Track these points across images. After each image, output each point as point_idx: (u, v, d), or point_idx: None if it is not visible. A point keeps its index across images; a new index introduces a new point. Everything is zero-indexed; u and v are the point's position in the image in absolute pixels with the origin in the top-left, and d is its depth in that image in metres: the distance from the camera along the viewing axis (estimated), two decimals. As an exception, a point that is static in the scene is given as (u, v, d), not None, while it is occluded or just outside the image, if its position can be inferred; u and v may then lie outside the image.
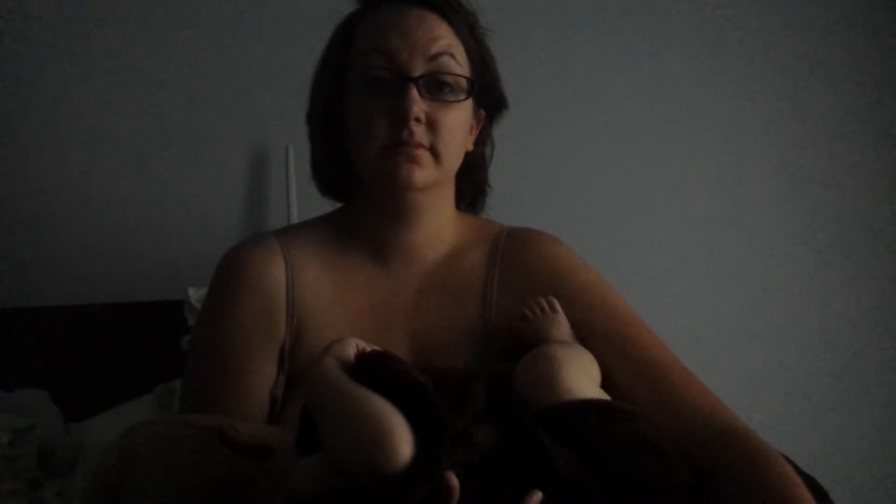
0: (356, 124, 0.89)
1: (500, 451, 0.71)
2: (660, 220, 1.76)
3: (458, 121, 0.90)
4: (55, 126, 1.51)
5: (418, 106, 0.85)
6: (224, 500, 0.69)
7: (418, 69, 0.86)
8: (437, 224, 0.96)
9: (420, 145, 0.86)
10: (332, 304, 0.93)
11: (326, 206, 1.03)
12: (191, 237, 1.55)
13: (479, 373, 0.79)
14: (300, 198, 1.54)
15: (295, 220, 1.52)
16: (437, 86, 0.88)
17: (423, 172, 0.87)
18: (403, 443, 0.63)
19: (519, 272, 0.97)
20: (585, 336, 0.92)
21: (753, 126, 1.80)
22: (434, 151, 0.88)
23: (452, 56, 0.89)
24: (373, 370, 0.69)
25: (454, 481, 0.65)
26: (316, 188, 1.01)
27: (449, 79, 0.88)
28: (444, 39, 0.88)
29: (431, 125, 0.87)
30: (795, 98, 1.82)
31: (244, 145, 1.59)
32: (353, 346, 0.72)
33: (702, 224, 1.78)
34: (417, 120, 0.85)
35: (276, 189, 1.59)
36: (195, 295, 1.36)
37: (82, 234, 1.52)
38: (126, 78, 1.53)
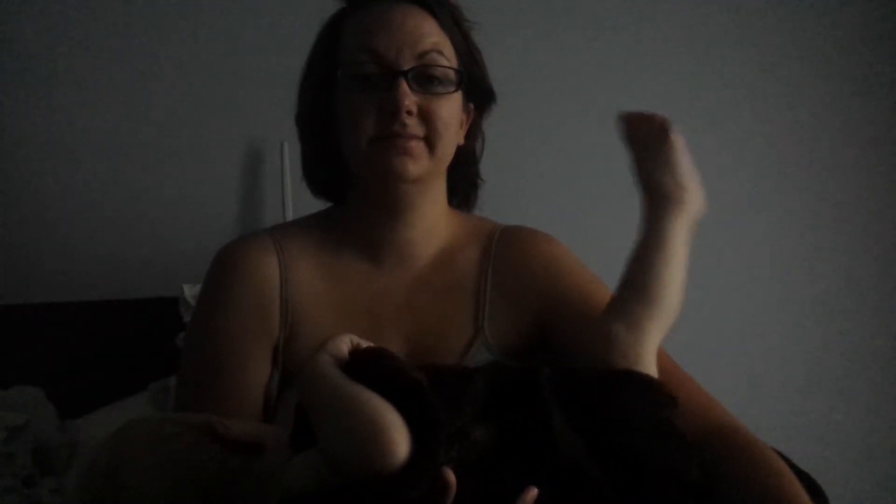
0: (346, 120, 0.89)
1: (498, 449, 0.71)
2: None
3: (450, 112, 0.89)
4: (49, 122, 1.50)
5: (409, 98, 0.85)
6: (215, 496, 0.68)
7: (407, 64, 0.86)
8: (430, 219, 0.95)
9: (414, 136, 0.86)
10: (326, 302, 0.92)
11: (322, 202, 1.03)
12: (186, 234, 1.54)
13: (477, 370, 0.78)
14: (295, 194, 1.53)
15: (290, 216, 1.52)
16: (426, 79, 0.87)
17: (417, 164, 0.87)
18: (400, 440, 0.63)
19: (513, 271, 0.97)
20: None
21: (752, 123, 1.80)
22: (428, 142, 0.87)
23: (440, 52, 0.88)
24: (368, 367, 0.69)
25: (451, 477, 0.65)
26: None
27: (438, 71, 0.88)
28: (431, 36, 0.88)
29: (424, 116, 0.86)
30: (795, 95, 1.82)
31: (239, 141, 1.58)
32: (347, 343, 0.72)
33: (700, 222, 1.78)
34: (409, 112, 0.85)
35: (272, 185, 1.58)
36: (190, 292, 1.35)
37: (77, 230, 1.51)
38: (120, 74, 1.52)
